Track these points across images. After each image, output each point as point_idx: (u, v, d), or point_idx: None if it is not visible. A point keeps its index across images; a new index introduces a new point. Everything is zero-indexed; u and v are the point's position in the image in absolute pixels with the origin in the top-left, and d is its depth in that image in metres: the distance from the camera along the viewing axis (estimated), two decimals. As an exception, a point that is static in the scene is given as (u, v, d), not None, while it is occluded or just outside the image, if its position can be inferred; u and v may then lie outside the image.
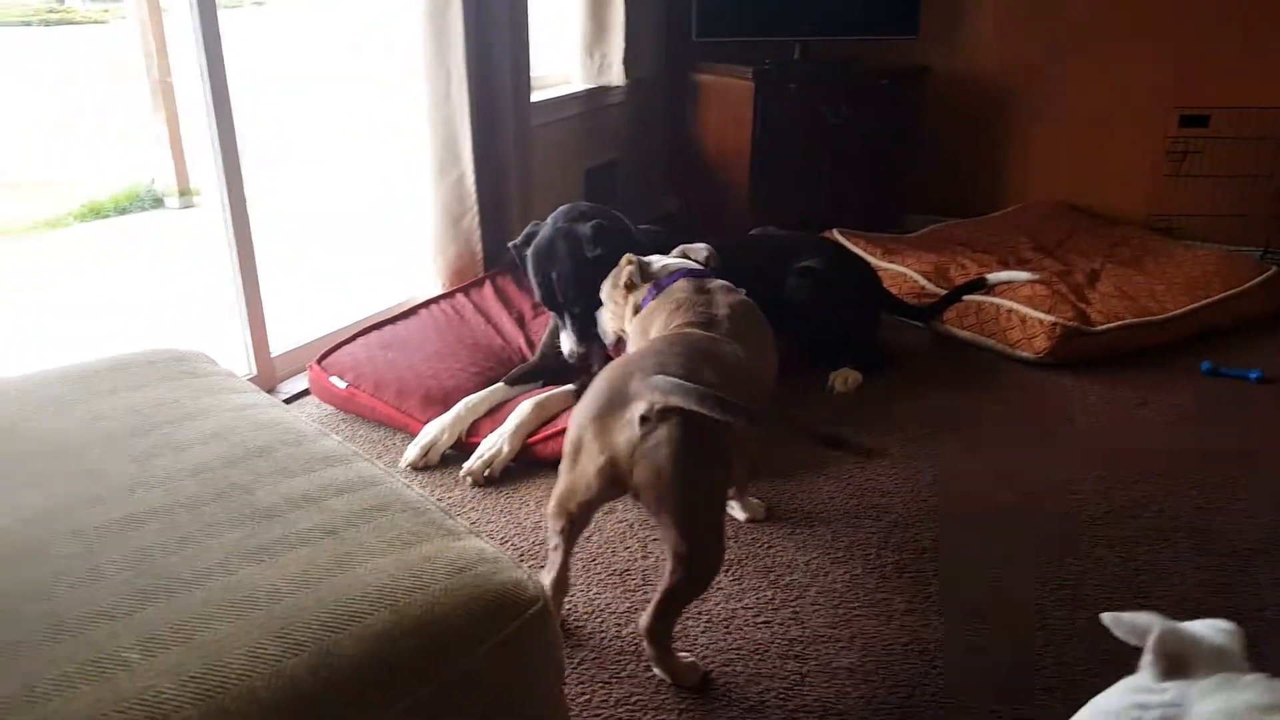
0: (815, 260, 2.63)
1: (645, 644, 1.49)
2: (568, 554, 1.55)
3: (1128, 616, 0.77)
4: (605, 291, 1.96)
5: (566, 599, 1.65)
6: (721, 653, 1.59)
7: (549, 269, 2.24)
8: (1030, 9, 3.80)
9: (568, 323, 2.27)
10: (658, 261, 1.92)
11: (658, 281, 1.85)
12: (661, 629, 1.47)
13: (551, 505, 1.52)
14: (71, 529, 1.04)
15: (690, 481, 1.37)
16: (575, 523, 1.52)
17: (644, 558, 1.83)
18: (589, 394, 1.48)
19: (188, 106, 2.26)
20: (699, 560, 1.43)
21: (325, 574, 0.97)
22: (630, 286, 1.88)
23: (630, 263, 1.88)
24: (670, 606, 1.46)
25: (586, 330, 2.22)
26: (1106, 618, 0.79)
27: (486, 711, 0.96)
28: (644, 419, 1.37)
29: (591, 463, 1.42)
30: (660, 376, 1.38)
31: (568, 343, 2.27)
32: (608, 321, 1.98)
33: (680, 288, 1.80)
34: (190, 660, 0.85)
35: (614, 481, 1.42)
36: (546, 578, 1.56)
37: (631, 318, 1.87)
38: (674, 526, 1.39)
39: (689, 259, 1.94)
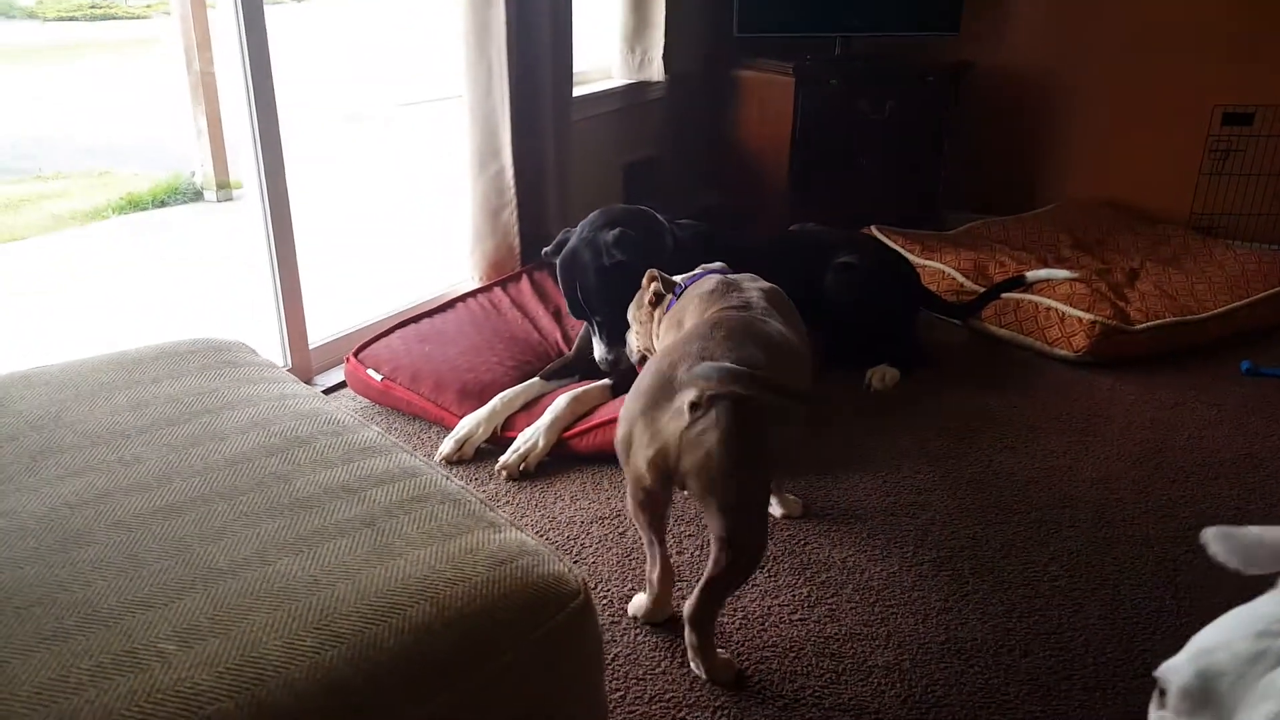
0: (854, 256, 2.61)
1: (688, 632, 1.48)
2: (655, 544, 1.57)
3: (1238, 531, 0.72)
4: (631, 312, 1.94)
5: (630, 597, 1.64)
6: (757, 649, 1.57)
7: (574, 279, 2.25)
8: (1072, 6, 3.74)
9: (596, 330, 2.27)
10: (679, 276, 1.88)
11: (682, 284, 1.82)
12: (705, 615, 1.47)
13: (627, 502, 1.55)
14: (112, 518, 1.04)
15: (739, 465, 1.36)
16: (652, 515, 1.53)
17: (679, 554, 1.81)
18: (636, 387, 1.47)
19: (230, 100, 2.27)
20: (744, 546, 1.43)
21: (364, 565, 0.96)
22: (655, 301, 1.85)
23: (654, 279, 1.85)
24: (715, 593, 1.46)
25: (616, 335, 2.21)
26: (1208, 533, 0.74)
27: (527, 705, 0.95)
28: (694, 406, 1.36)
29: (642, 455, 1.42)
30: (706, 364, 1.37)
31: (599, 349, 2.27)
32: (634, 340, 1.95)
33: (706, 281, 1.78)
34: (227, 651, 0.85)
35: (665, 472, 1.42)
36: (650, 572, 1.59)
37: (658, 331, 1.84)
38: (721, 512, 1.39)
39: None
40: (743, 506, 1.40)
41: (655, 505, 1.51)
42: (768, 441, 1.43)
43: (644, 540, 1.60)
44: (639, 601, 1.64)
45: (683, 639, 1.50)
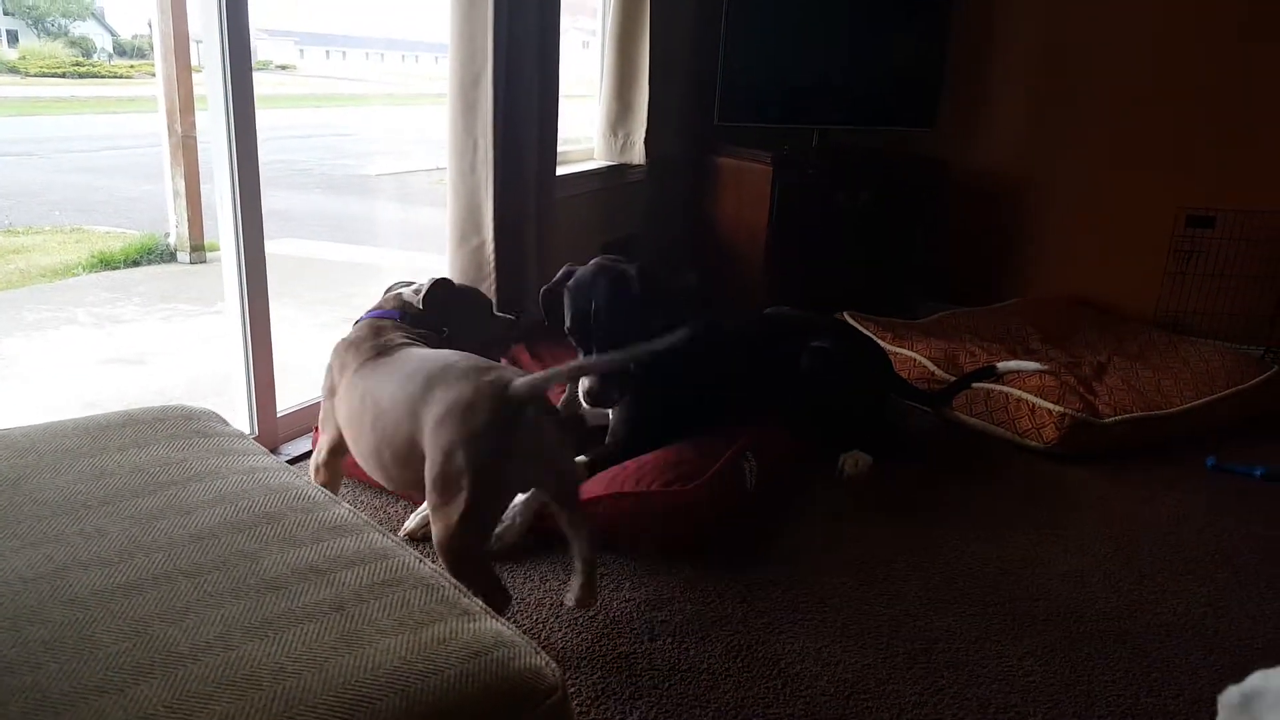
0: (828, 340, 2.62)
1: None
2: None
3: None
4: None
5: (570, 681, 1.60)
6: (730, 747, 1.52)
7: (588, 300, 2.22)
8: (1043, 108, 3.88)
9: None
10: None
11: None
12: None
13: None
14: (68, 595, 1.00)
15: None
16: None
17: (650, 640, 1.77)
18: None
19: (210, 163, 2.26)
20: None
21: (332, 653, 0.92)
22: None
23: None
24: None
25: (611, 372, 2.21)
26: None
27: (497, 808, 0.91)
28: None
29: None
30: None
31: (590, 383, 2.23)
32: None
33: (372, 322, 1.93)
34: (186, 743, 0.81)
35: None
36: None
37: None
38: None
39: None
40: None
41: None
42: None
43: None
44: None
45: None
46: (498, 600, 1.55)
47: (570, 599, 1.72)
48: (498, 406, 1.50)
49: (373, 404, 1.69)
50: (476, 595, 1.48)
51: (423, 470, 1.56)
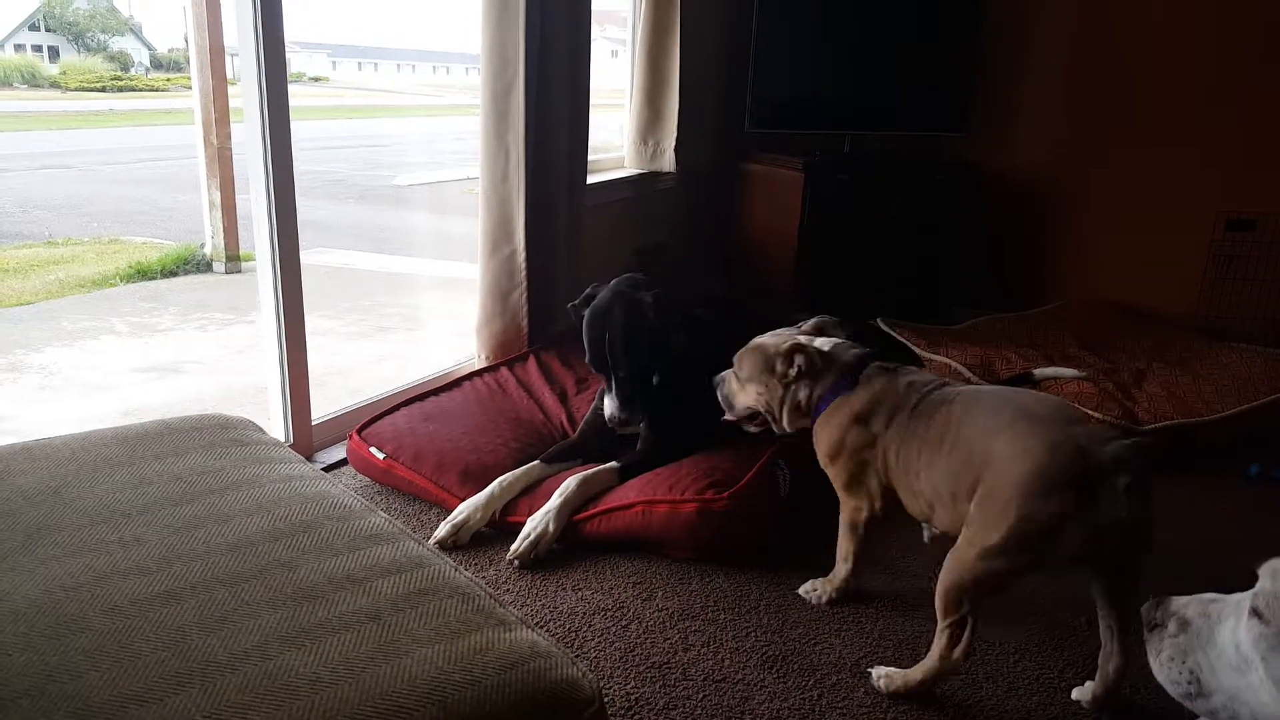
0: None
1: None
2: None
3: None
4: (748, 370, 1.92)
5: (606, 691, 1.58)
6: (766, 759, 1.51)
7: (604, 330, 2.21)
8: (1077, 111, 3.83)
9: (613, 386, 2.23)
10: (827, 346, 1.87)
11: (845, 373, 1.82)
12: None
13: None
14: (108, 603, 1.00)
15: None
16: None
17: (685, 650, 1.76)
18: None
19: (246, 174, 2.29)
20: None
21: (369, 663, 0.92)
22: (800, 376, 1.84)
23: (800, 351, 1.84)
24: None
25: (632, 396, 2.20)
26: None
27: (534, 820, 0.90)
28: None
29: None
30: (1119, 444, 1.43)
31: (610, 406, 2.23)
32: (737, 395, 1.96)
33: (889, 376, 1.79)
34: (225, 754, 0.81)
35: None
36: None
37: (799, 408, 1.86)
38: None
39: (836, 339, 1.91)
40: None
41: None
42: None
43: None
44: None
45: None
46: (958, 641, 1.54)
47: (1078, 693, 1.68)
48: (1081, 468, 1.42)
49: (955, 435, 1.61)
50: (948, 625, 1.53)
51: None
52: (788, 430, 1.91)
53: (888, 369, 1.81)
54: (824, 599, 1.93)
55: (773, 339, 1.92)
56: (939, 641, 1.57)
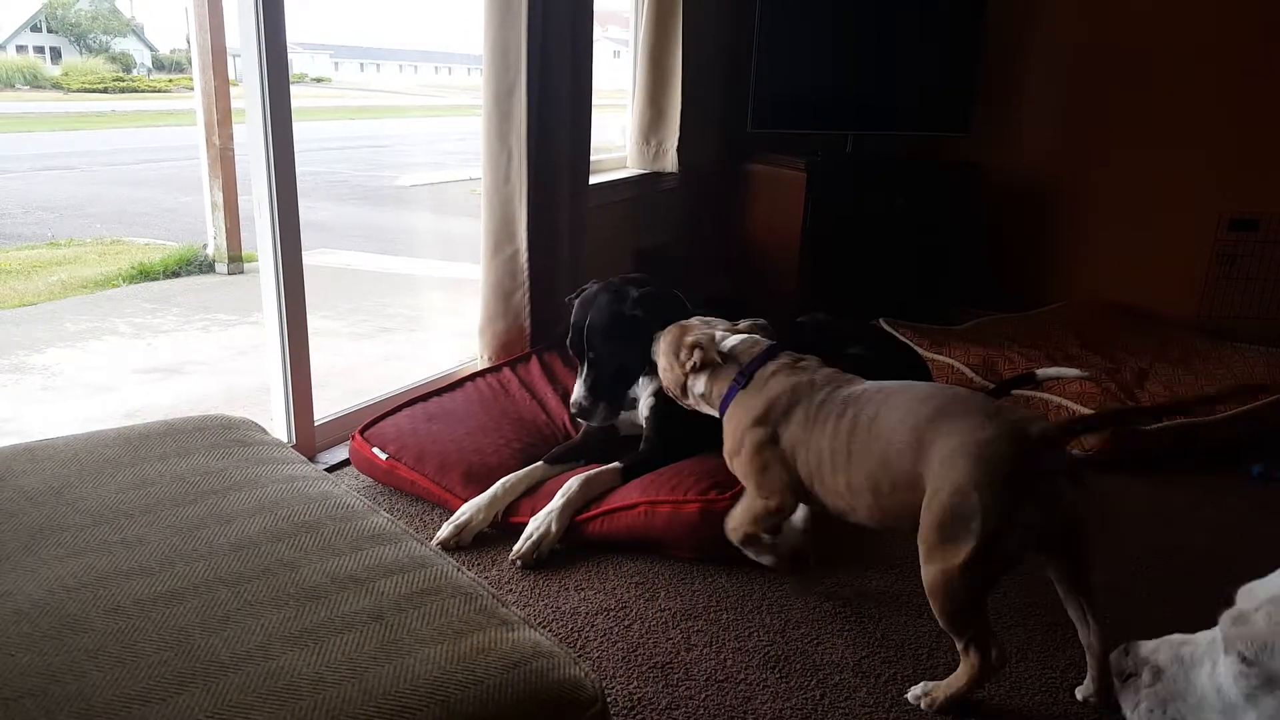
0: (862, 348, 2.59)
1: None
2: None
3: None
4: (662, 348, 1.95)
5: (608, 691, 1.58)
6: (769, 759, 1.50)
7: (585, 314, 2.24)
8: (1079, 111, 3.83)
9: (584, 371, 2.24)
10: (727, 340, 1.88)
11: (743, 367, 1.82)
12: None
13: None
14: (111, 603, 1.00)
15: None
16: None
17: (687, 650, 1.76)
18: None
19: (248, 174, 2.29)
20: None
21: (372, 663, 0.92)
22: (694, 368, 1.86)
23: (698, 347, 1.85)
24: None
25: (598, 385, 2.21)
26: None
27: (536, 820, 0.90)
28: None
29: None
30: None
31: (578, 390, 2.24)
32: (665, 375, 1.97)
33: (783, 366, 1.80)
34: (228, 754, 0.81)
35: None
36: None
37: (708, 397, 1.88)
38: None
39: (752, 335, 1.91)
40: None
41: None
42: None
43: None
44: None
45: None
46: (988, 649, 1.52)
47: (1081, 692, 1.66)
48: (1020, 449, 1.44)
49: (866, 433, 1.61)
50: (967, 644, 1.51)
51: (913, 500, 1.52)
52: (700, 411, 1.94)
53: (787, 367, 1.80)
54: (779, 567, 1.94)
55: (695, 324, 1.94)
56: (970, 658, 1.55)
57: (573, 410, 2.26)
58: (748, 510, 1.83)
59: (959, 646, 1.56)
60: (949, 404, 1.55)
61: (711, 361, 1.86)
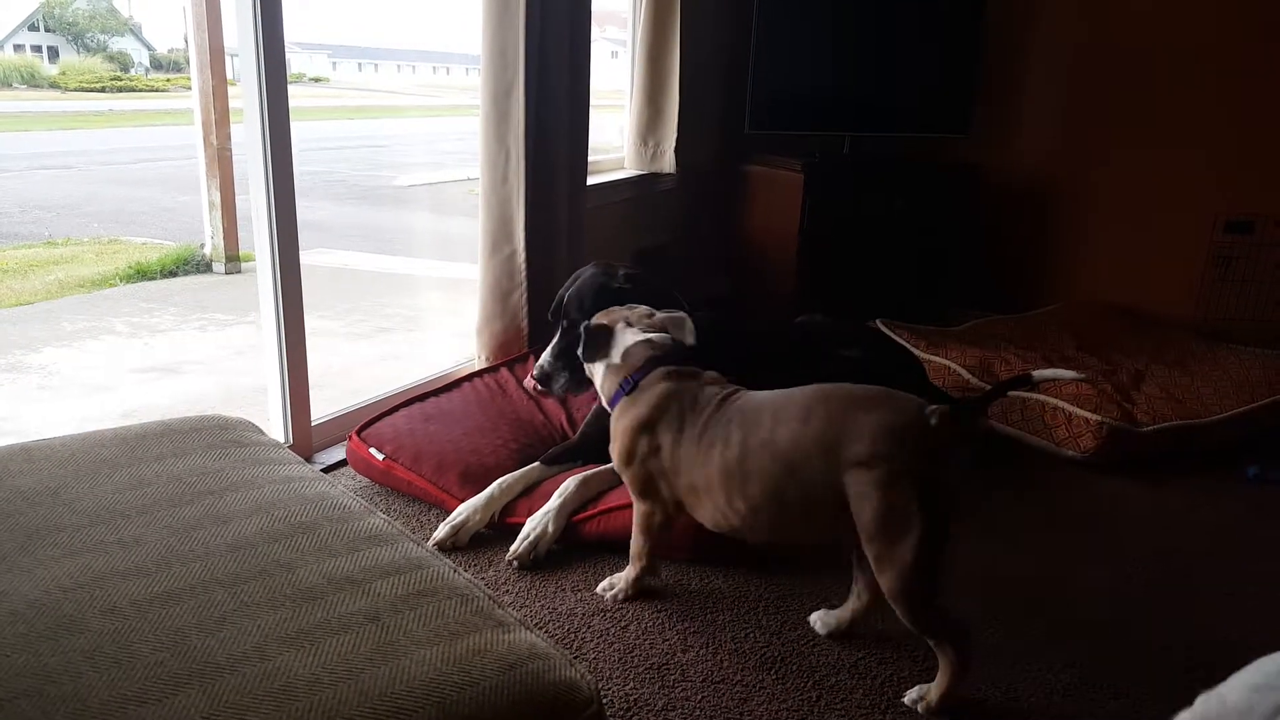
0: (859, 350, 2.59)
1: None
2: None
3: None
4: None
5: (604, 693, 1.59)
6: (765, 761, 1.51)
7: (572, 282, 2.27)
8: (1077, 113, 3.83)
9: (555, 340, 2.24)
10: (628, 338, 1.82)
11: (631, 374, 1.79)
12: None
13: None
14: (107, 604, 1.00)
15: None
16: None
17: (684, 651, 1.76)
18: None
19: (245, 174, 2.29)
20: None
21: (368, 664, 0.92)
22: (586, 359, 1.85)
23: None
24: None
25: (564, 354, 2.18)
26: None
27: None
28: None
29: None
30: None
31: (544, 356, 2.23)
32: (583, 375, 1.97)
33: (667, 377, 1.75)
34: (224, 755, 0.81)
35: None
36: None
37: (600, 387, 1.87)
38: None
39: (664, 332, 1.84)
40: None
41: None
42: None
43: None
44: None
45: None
46: (963, 642, 1.53)
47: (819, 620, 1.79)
48: (932, 431, 1.45)
49: (764, 450, 1.57)
50: (941, 640, 1.51)
51: (826, 507, 1.50)
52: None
53: (673, 379, 1.75)
54: (620, 597, 1.91)
55: (617, 313, 1.89)
56: (947, 653, 1.55)
57: (534, 374, 2.23)
58: (638, 522, 1.83)
59: (934, 645, 1.57)
60: (846, 403, 1.53)
61: (598, 357, 1.83)
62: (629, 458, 1.76)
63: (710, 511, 1.69)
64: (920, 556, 1.45)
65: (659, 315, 1.88)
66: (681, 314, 1.90)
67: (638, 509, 1.82)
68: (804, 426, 1.54)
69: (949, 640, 1.54)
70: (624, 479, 1.83)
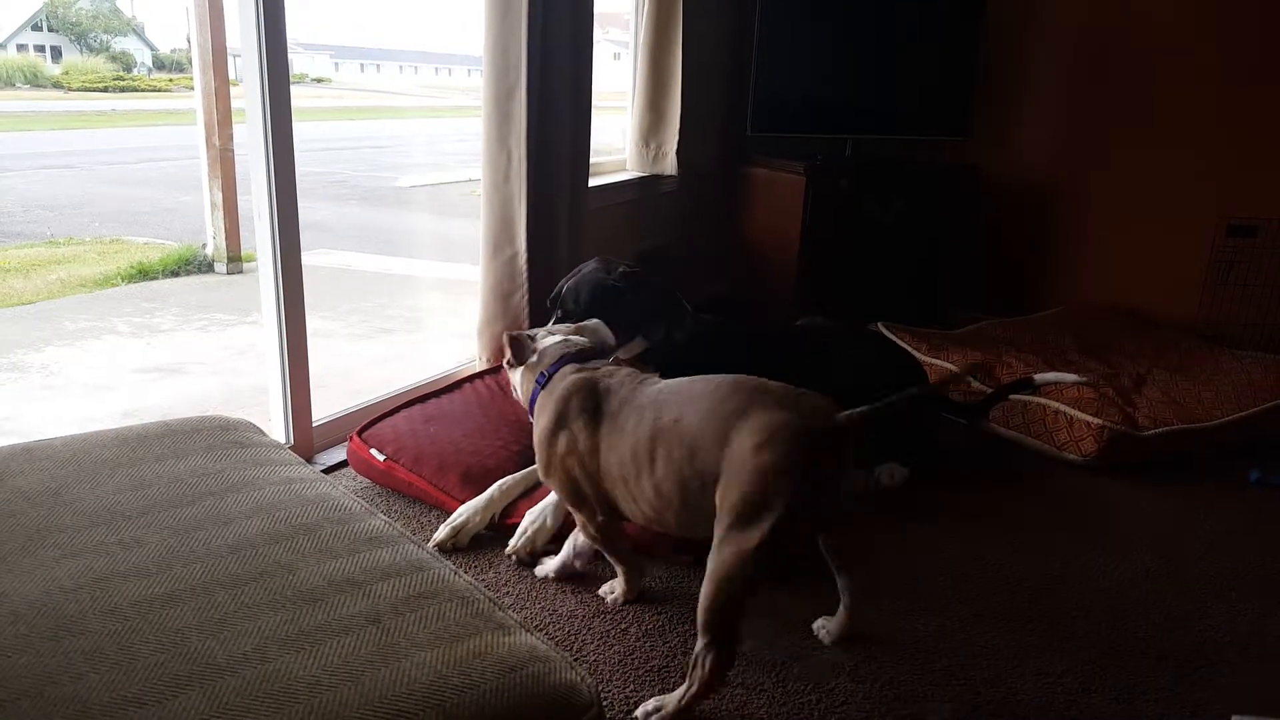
0: (859, 352, 2.60)
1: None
2: None
3: None
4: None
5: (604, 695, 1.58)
6: (765, 764, 1.50)
7: (572, 274, 2.31)
8: (1078, 115, 3.83)
9: (550, 324, 2.25)
10: (544, 340, 1.86)
11: (543, 372, 1.81)
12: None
13: None
14: (108, 605, 1.01)
15: None
16: None
17: (684, 653, 1.75)
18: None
19: (248, 174, 2.29)
20: None
21: (368, 666, 0.92)
22: (511, 364, 1.87)
23: (512, 341, 1.84)
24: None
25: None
26: None
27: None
28: None
29: None
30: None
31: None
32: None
33: (577, 369, 1.78)
34: (224, 757, 0.81)
35: None
36: None
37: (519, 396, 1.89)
38: None
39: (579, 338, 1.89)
40: None
41: None
42: None
43: None
44: None
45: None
46: (725, 665, 1.48)
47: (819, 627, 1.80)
48: (815, 436, 1.44)
49: (671, 435, 1.55)
50: (710, 651, 1.45)
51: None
52: None
53: (583, 370, 1.76)
54: (620, 601, 1.91)
55: (543, 329, 1.95)
56: (707, 662, 1.48)
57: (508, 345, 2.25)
58: (584, 531, 1.82)
59: (700, 646, 1.49)
60: (751, 395, 1.51)
61: (523, 359, 1.84)
62: (548, 466, 1.75)
63: (625, 500, 1.67)
64: (761, 551, 1.41)
65: (589, 322, 1.97)
66: (597, 321, 1.96)
67: (576, 519, 1.81)
68: (710, 411, 1.52)
69: (715, 655, 1.47)
70: (553, 490, 1.82)
